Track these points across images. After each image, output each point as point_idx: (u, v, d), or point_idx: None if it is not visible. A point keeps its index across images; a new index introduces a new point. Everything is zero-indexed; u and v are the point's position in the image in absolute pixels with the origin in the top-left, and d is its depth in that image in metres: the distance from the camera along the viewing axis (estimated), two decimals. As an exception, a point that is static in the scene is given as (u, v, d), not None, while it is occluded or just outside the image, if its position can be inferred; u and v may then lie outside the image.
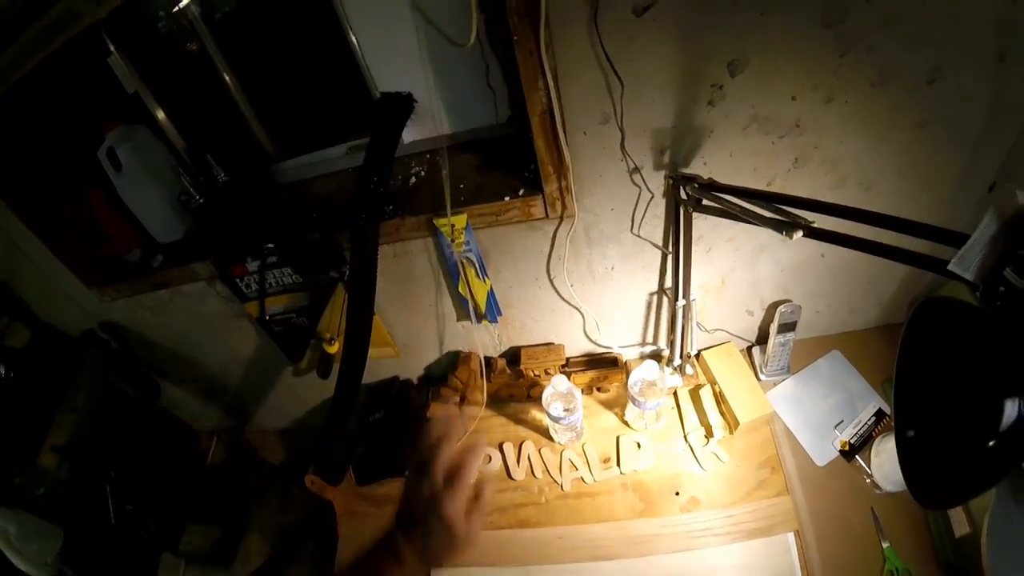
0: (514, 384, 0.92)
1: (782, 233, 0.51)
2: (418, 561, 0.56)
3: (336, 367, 0.83)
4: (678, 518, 0.83)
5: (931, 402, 0.65)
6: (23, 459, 1.01)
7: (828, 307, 0.94)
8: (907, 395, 0.66)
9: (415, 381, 1.00)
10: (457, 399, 0.94)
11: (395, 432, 0.95)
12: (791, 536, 0.80)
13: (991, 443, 0.67)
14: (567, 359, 0.95)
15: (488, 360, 0.93)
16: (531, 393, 0.93)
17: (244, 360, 1.11)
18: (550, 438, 0.91)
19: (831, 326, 0.99)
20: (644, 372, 0.84)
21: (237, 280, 0.88)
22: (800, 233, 0.51)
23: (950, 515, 0.81)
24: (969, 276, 0.39)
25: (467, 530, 0.57)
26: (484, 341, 0.93)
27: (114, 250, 0.90)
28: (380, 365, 1.02)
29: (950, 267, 0.40)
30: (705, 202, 0.65)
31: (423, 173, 0.81)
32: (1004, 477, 0.51)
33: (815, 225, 0.51)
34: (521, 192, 0.73)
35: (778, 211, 0.54)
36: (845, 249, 0.48)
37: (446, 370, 0.98)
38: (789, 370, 0.97)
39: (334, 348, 0.96)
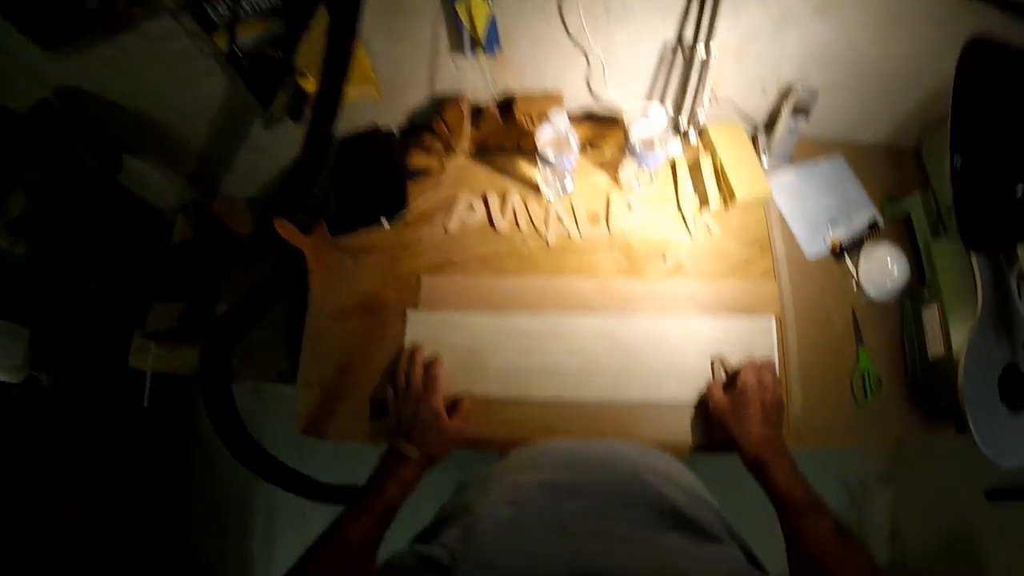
0: (504, 133, 0.80)
1: None
2: (421, 455, 0.65)
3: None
4: (662, 282, 0.78)
5: (980, 136, 0.57)
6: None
7: (841, 107, 0.84)
8: (961, 126, 0.58)
9: (397, 133, 0.87)
10: (440, 147, 0.83)
11: (372, 179, 0.84)
12: (773, 320, 0.76)
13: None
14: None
15: (478, 107, 0.80)
16: (521, 144, 0.82)
17: (211, 113, 0.95)
18: (538, 191, 0.82)
19: (839, 131, 0.89)
20: (651, 114, 0.73)
21: (206, 5, 0.70)
22: None
23: (927, 335, 0.78)
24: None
25: (456, 425, 0.69)
26: (476, 84, 0.79)
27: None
28: (359, 112, 0.88)
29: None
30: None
31: None
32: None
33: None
34: None
35: None
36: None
37: (431, 122, 0.85)
38: (792, 161, 0.88)
39: (310, 83, 0.82)
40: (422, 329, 0.77)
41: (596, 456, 0.55)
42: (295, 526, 1.61)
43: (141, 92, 0.88)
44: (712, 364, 0.74)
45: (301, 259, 0.85)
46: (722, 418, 0.68)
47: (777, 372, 0.74)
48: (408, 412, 0.68)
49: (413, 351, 0.74)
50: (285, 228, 0.84)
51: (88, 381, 1.34)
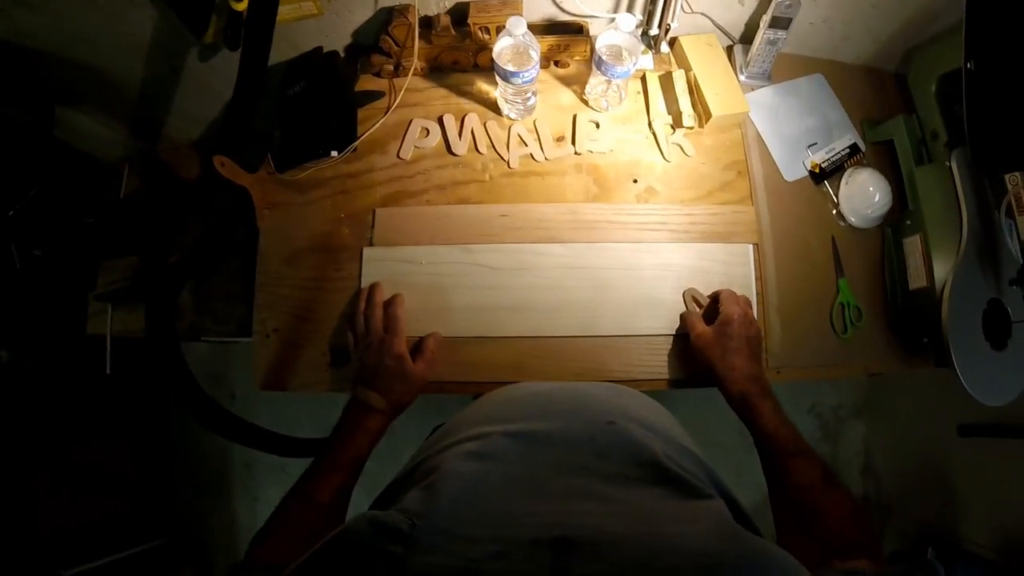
0: (459, 47, 0.72)
1: None
2: (386, 403, 0.61)
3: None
4: (633, 207, 0.73)
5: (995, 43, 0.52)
6: None
7: (824, 21, 0.78)
8: (975, 29, 0.53)
9: (343, 54, 0.79)
10: (390, 67, 0.75)
11: (318, 107, 0.76)
12: (751, 248, 0.71)
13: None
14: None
15: (428, 19, 0.72)
16: (478, 61, 0.74)
17: (143, 51, 0.86)
18: (498, 112, 0.75)
19: (820, 48, 0.83)
20: (619, 22, 0.66)
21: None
22: None
23: (908, 266, 0.75)
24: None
25: (421, 369, 0.64)
26: (426, -6, 0.71)
27: None
28: (299, 32, 0.79)
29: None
30: None
31: None
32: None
33: None
34: None
35: None
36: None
37: (378, 40, 0.77)
38: (770, 78, 0.82)
39: (242, 3, 0.73)
40: (380, 268, 0.70)
41: (567, 401, 0.50)
42: (275, 480, 1.59)
43: (66, 35, 0.78)
44: (684, 298, 0.70)
45: (248, 200, 0.78)
46: (704, 352, 0.63)
47: (754, 304, 0.70)
48: (370, 358, 0.63)
49: (371, 291, 0.68)
50: (225, 166, 0.77)
51: (49, 353, 1.29)
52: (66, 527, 1.41)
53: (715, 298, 0.67)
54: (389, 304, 0.67)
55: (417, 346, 0.66)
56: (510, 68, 0.67)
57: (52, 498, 1.39)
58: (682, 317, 0.68)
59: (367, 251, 0.71)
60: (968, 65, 0.57)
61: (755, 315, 0.67)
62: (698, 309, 0.69)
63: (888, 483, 1.43)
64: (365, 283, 0.70)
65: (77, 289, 1.03)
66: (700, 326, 0.65)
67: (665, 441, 0.44)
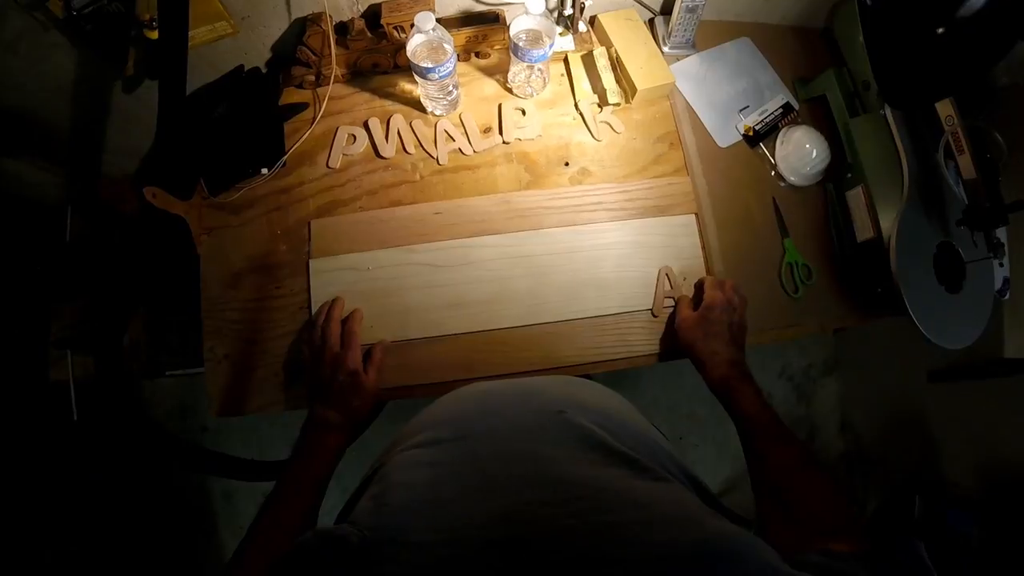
0: (376, 49, 0.70)
1: None
2: (343, 419, 0.59)
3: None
4: (567, 190, 0.71)
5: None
6: None
7: None
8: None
9: (263, 68, 0.77)
10: (312, 78, 0.73)
11: (244, 126, 0.74)
12: (692, 218, 0.70)
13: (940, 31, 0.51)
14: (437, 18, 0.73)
15: (343, 25, 0.70)
16: (398, 61, 0.72)
17: (69, 90, 0.83)
18: (423, 110, 0.73)
19: (743, 12, 0.83)
20: (528, 5, 0.64)
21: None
22: None
23: (854, 219, 0.74)
24: None
25: (372, 379, 0.62)
26: (338, 2, 0.69)
27: None
28: (218, 54, 0.77)
29: None
30: None
31: None
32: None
33: None
34: None
35: None
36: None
37: (296, 51, 0.74)
38: (695, 47, 0.80)
39: (155, 32, 0.70)
40: (327, 278, 0.68)
41: (515, 395, 0.48)
42: (256, 505, 1.54)
43: None
44: (658, 275, 0.69)
45: (186, 228, 0.76)
46: (686, 335, 0.64)
47: (702, 273, 0.69)
48: (325, 374, 0.61)
49: (331, 305, 0.66)
50: (157, 196, 0.74)
51: (10, 404, 1.25)
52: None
53: (699, 285, 0.67)
54: (346, 319, 0.65)
55: (366, 356, 0.65)
56: (426, 64, 0.65)
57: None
58: (675, 300, 0.68)
59: (313, 263, 0.69)
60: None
61: (744, 301, 0.66)
62: (669, 287, 0.69)
63: (867, 437, 1.43)
64: (315, 295, 0.68)
65: (33, 337, 1.00)
66: (686, 311, 0.66)
67: (618, 426, 0.42)
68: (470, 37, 0.72)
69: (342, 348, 0.62)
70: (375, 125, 0.72)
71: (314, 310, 0.67)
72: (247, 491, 1.53)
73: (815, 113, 0.81)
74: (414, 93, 0.73)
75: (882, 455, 1.37)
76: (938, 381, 1.13)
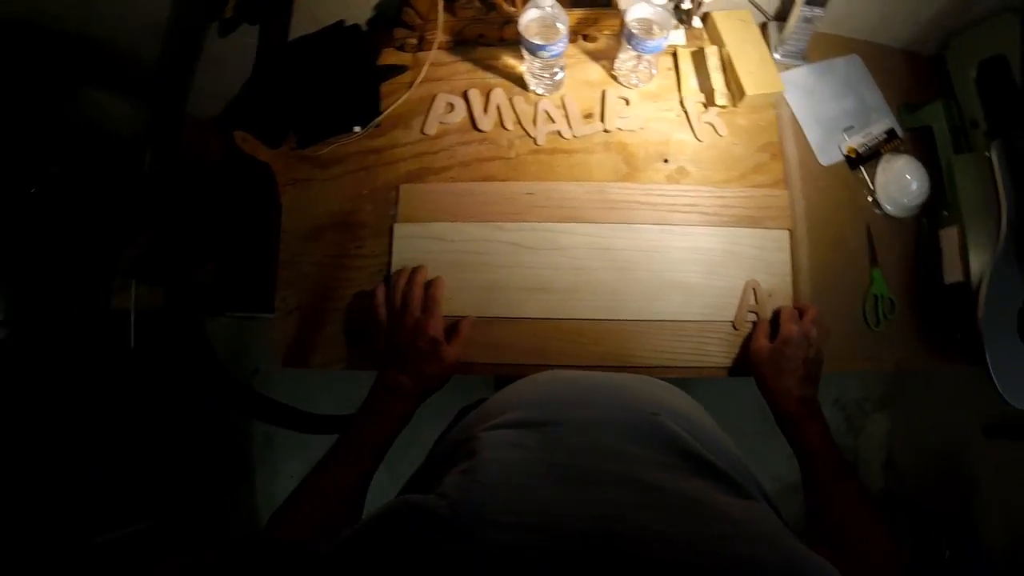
0: (484, 20, 0.68)
1: None
2: (415, 386, 0.58)
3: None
4: (663, 187, 0.68)
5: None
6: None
7: (861, 1, 0.73)
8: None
9: (364, 26, 0.76)
10: (414, 41, 0.71)
11: (340, 82, 0.73)
12: (786, 234, 0.67)
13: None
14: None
15: (454, -10, 0.69)
16: (504, 34, 0.70)
17: (163, 27, 0.84)
18: (524, 87, 0.71)
19: (857, 28, 0.79)
20: (651, -2, 0.62)
21: None
22: None
23: (944, 259, 0.70)
24: None
25: (454, 352, 0.61)
26: (450, -37, 0.68)
27: None
28: (320, 6, 0.75)
29: None
30: None
31: None
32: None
33: None
34: None
35: None
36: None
37: (401, 12, 0.73)
38: (805, 58, 0.77)
39: (261, -23, 0.70)
40: (409, 244, 0.67)
41: (609, 390, 0.47)
42: (296, 454, 1.57)
43: (85, 13, 0.75)
44: (745, 287, 0.66)
45: (271, 176, 0.75)
46: (759, 368, 0.62)
47: (790, 295, 0.66)
48: (403, 339, 0.60)
49: (415, 270, 0.64)
50: (246, 141, 0.74)
51: (70, 330, 1.30)
52: (88, 497, 1.36)
53: (776, 313, 0.65)
54: (429, 285, 0.64)
55: (451, 328, 0.63)
56: (537, 41, 0.63)
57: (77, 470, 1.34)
58: (756, 318, 0.66)
59: (398, 227, 0.68)
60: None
61: (825, 333, 0.64)
62: (754, 301, 0.66)
63: (909, 478, 1.39)
64: (396, 259, 0.67)
65: (99, 266, 1.02)
66: (761, 340, 0.63)
67: (707, 436, 0.41)
68: (581, 19, 0.70)
69: (423, 313, 0.61)
70: (475, 96, 0.70)
71: (393, 273, 0.66)
72: (287, 441, 1.56)
73: (918, 143, 0.78)
74: (517, 69, 0.71)
75: (921, 499, 1.33)
76: (993, 437, 1.09)
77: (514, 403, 0.44)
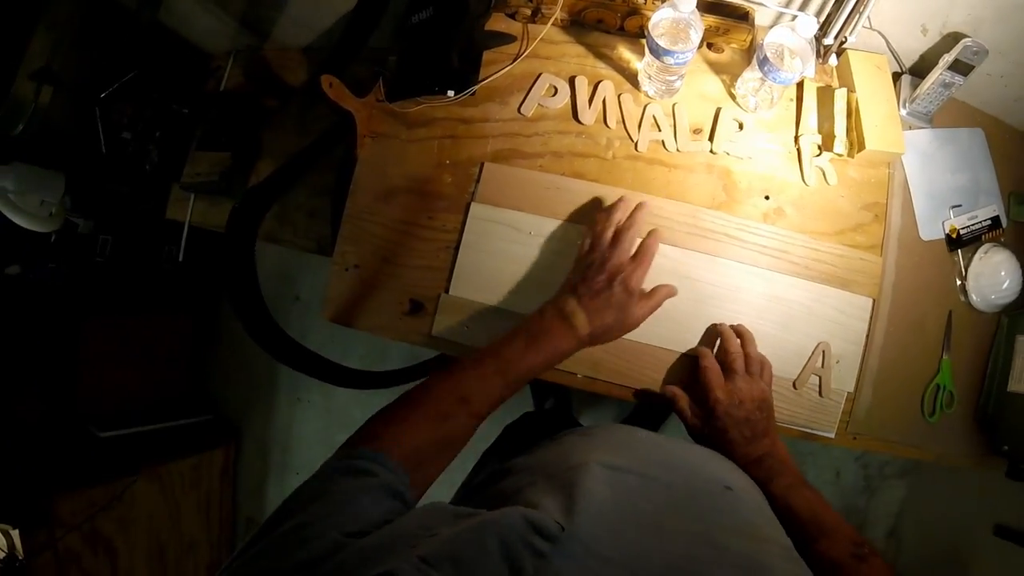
0: (607, 5, 0.62)
1: None
2: (588, 331, 0.53)
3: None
4: (758, 226, 0.63)
5: None
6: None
7: (1002, 76, 0.67)
8: None
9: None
10: (528, 11, 0.66)
11: (441, 39, 0.68)
12: (870, 302, 0.63)
13: None
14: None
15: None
16: (626, 25, 0.64)
17: None
18: (635, 85, 0.66)
19: (988, 102, 0.72)
20: (798, 24, 0.56)
21: None
22: None
23: (1014, 366, 0.67)
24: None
25: (642, 314, 0.55)
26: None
27: None
28: (433, -47, 0.71)
29: None
30: None
31: None
32: None
33: None
34: None
35: None
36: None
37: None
38: (931, 122, 0.70)
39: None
40: (482, 227, 0.63)
41: (687, 457, 0.45)
42: (320, 387, 1.59)
43: None
44: (815, 348, 0.62)
45: (351, 123, 0.71)
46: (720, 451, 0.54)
47: (856, 368, 0.62)
48: (599, 276, 0.54)
49: (637, 208, 0.57)
50: (333, 87, 0.69)
51: (127, 231, 1.32)
52: (109, 392, 1.46)
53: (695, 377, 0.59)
54: (649, 233, 0.58)
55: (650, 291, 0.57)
56: (663, 44, 0.57)
57: (98, 363, 1.43)
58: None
59: (474, 206, 0.64)
60: None
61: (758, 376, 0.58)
62: (820, 365, 0.62)
63: (910, 553, 1.37)
64: (466, 239, 0.63)
65: (159, 175, 0.99)
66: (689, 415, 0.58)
67: (767, 516, 0.42)
68: (710, 27, 0.63)
69: (632, 261, 0.55)
70: (582, 84, 0.65)
71: (461, 254, 0.62)
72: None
73: (1020, 236, 0.72)
74: (632, 65, 0.65)
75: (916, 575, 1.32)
76: (1002, 538, 1.05)
77: (600, 446, 0.43)
